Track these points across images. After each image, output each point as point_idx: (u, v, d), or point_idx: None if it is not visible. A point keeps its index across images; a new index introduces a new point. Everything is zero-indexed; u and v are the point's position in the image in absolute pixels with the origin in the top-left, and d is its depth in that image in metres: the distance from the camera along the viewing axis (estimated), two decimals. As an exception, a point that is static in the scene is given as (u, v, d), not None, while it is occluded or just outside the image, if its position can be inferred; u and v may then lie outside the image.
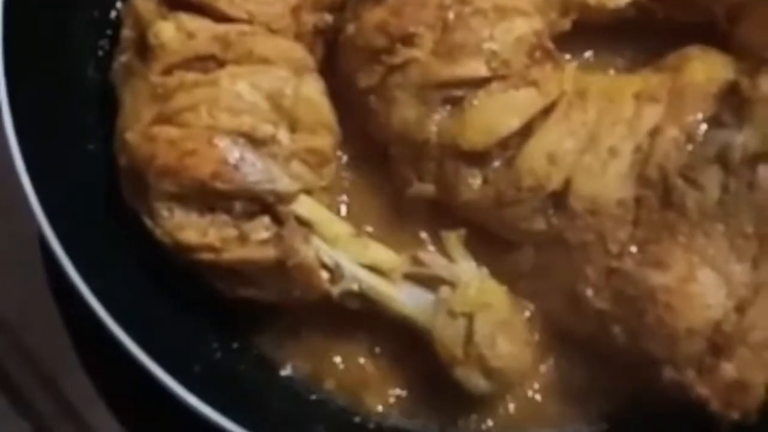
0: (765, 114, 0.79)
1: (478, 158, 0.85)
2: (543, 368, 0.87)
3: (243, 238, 0.81)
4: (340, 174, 0.92)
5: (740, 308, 0.76)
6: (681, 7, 0.92)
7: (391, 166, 0.90)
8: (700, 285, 0.77)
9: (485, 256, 0.87)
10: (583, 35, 0.96)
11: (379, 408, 0.87)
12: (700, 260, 0.78)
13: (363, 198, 0.92)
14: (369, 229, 0.91)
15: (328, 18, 0.93)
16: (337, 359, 0.87)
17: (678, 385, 0.76)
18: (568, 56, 0.96)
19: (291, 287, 0.82)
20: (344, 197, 0.92)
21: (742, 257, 0.77)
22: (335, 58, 0.92)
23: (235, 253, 0.80)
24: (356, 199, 0.92)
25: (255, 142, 0.82)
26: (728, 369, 0.74)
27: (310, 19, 0.91)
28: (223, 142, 0.80)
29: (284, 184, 0.82)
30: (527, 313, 0.87)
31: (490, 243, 0.88)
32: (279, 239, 0.81)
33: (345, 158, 0.93)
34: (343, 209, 0.92)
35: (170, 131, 0.81)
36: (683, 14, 0.93)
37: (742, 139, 0.79)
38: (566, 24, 0.93)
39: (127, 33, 0.88)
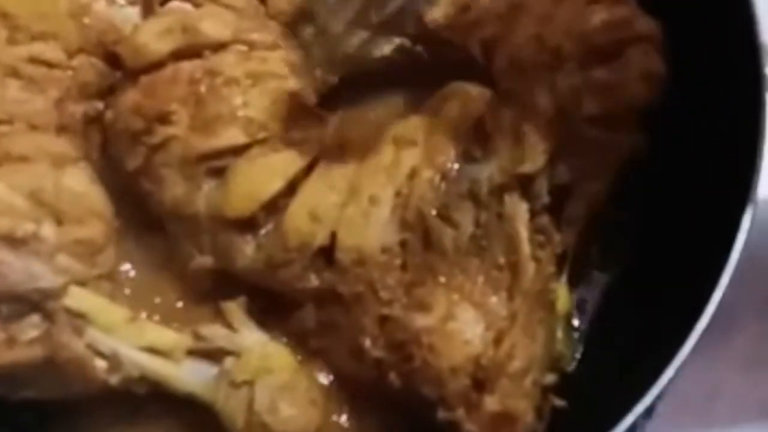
0: (504, 144, 0.80)
1: (247, 225, 0.86)
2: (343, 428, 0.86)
3: (11, 341, 0.80)
4: (127, 259, 0.92)
5: (498, 339, 0.76)
6: (440, 46, 0.94)
7: (172, 243, 0.90)
8: (459, 322, 0.77)
9: (273, 321, 0.87)
10: (358, 84, 0.97)
11: (184, 490, 0.86)
12: (459, 297, 0.78)
13: (154, 280, 0.92)
14: (163, 309, 0.90)
15: (99, 105, 0.93)
16: (137, 446, 0.86)
17: (451, 424, 0.76)
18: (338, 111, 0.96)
19: (68, 382, 0.81)
20: (133, 280, 0.91)
21: (498, 288, 0.78)
22: (109, 144, 0.92)
23: (2, 358, 0.79)
24: (147, 282, 0.91)
25: (14, 242, 0.81)
26: (491, 402, 0.75)
27: (77, 109, 0.92)
28: (-22, 248, 0.80)
29: (48, 280, 0.81)
30: (321, 375, 0.87)
31: (276, 307, 0.88)
32: (48, 336, 0.80)
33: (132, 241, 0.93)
34: (134, 293, 0.91)
35: (-72, 245, 0.80)
36: (446, 54, 0.94)
37: (488, 172, 0.81)
38: (334, 79, 0.94)
39: None
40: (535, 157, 0.79)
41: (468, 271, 0.79)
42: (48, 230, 0.84)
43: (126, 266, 0.91)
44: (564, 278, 0.82)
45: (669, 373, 0.75)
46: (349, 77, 0.95)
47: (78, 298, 0.83)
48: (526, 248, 0.78)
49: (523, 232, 0.78)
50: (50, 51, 0.90)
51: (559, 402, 0.79)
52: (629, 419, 0.75)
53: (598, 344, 0.85)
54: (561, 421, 0.79)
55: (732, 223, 0.74)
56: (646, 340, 0.80)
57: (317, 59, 0.93)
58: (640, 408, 0.75)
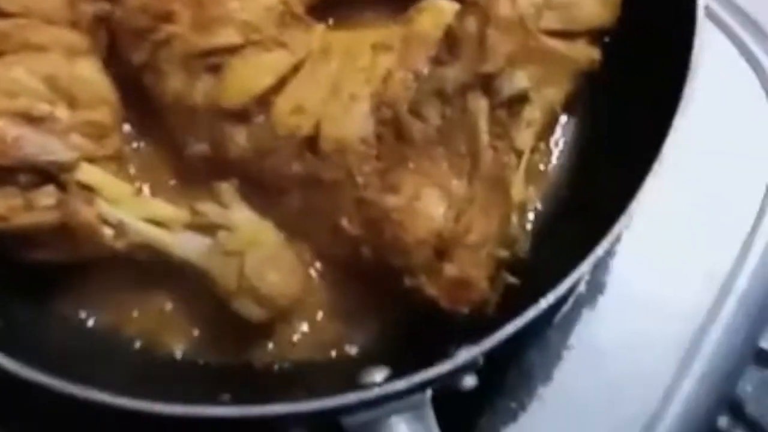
0: (469, 50, 0.91)
1: (240, 116, 0.96)
2: (321, 296, 0.98)
3: (29, 206, 0.90)
4: (130, 143, 1.03)
5: (458, 217, 0.88)
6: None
7: (170, 132, 1.01)
8: (425, 201, 0.89)
9: (261, 204, 0.98)
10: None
11: (180, 346, 0.97)
12: (425, 181, 0.90)
13: (154, 163, 1.03)
14: (162, 188, 1.02)
15: (106, 6, 1.03)
16: (138, 308, 0.98)
17: (415, 290, 0.88)
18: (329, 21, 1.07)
19: (79, 246, 0.92)
20: (136, 162, 1.02)
21: (459, 174, 0.90)
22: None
23: (21, 219, 0.90)
24: (147, 164, 1.02)
25: (33, 120, 0.92)
26: (450, 269, 0.86)
27: (87, 9, 1.01)
28: (0, 122, 0.90)
29: (62, 154, 0.92)
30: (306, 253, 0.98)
31: (265, 192, 0.98)
32: (62, 203, 0.91)
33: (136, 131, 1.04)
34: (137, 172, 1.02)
35: (-47, 120, 0.90)
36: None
37: (454, 73, 0.92)
38: (320, -9, 1.04)
39: None
40: (495, 59, 0.89)
41: (434, 159, 0.90)
42: (62, 112, 0.94)
43: (129, 148, 1.01)
44: (521, 172, 0.93)
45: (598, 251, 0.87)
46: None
47: (88, 173, 0.93)
48: (484, 138, 0.89)
49: (483, 124, 0.89)
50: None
51: (510, 278, 0.90)
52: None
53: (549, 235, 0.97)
54: (512, 298, 0.90)
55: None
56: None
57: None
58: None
